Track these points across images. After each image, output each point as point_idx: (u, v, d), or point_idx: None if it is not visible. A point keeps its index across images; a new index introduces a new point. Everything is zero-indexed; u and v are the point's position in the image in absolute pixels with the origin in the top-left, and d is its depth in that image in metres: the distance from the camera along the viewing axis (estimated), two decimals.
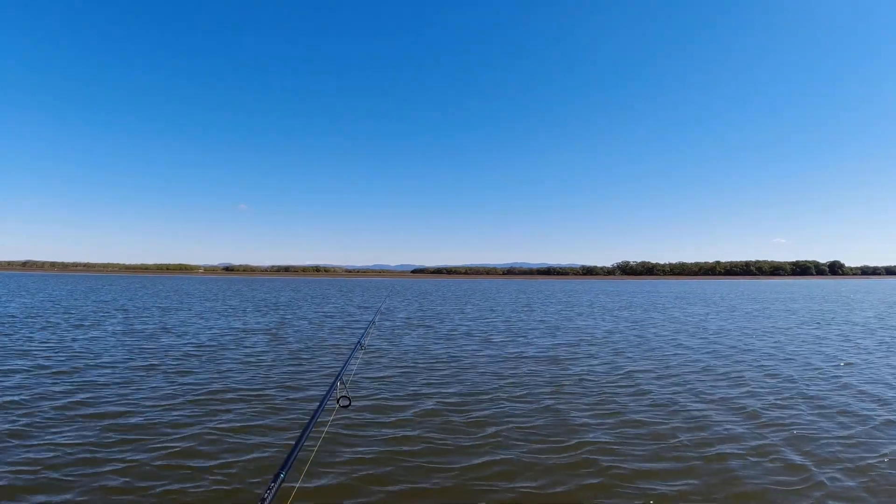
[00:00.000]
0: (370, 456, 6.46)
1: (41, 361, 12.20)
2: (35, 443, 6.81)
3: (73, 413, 8.21)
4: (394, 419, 7.98)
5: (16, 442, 6.82)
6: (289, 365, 12.06)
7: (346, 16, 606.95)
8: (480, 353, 13.98)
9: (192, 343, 14.99)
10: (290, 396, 9.24)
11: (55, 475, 5.84)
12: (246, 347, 14.36)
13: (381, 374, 11.16)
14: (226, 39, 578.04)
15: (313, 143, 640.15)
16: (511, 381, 10.86)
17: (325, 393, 4.04)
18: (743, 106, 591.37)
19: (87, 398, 9.06)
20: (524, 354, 13.95)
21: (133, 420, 7.87)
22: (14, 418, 7.82)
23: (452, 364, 12.49)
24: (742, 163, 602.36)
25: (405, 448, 6.75)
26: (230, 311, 27.15)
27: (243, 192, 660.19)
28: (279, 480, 2.48)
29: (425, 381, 10.59)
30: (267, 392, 9.47)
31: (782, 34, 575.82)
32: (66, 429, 7.41)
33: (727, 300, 43.71)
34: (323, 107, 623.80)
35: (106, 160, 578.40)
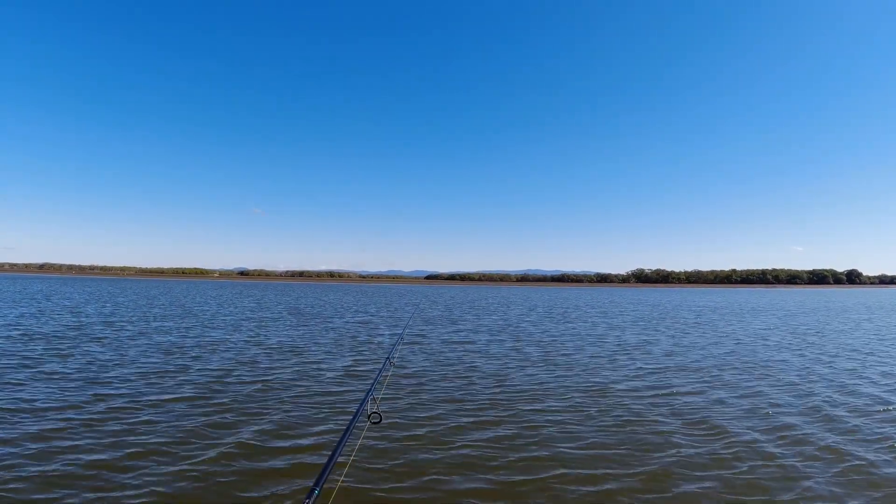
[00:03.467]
0: (401, 473, 6.40)
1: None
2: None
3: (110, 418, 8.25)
4: (425, 436, 7.83)
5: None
6: (319, 380, 11.87)
7: (360, 17, 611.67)
8: (514, 369, 13.42)
9: (220, 356, 14.88)
10: (322, 412, 9.14)
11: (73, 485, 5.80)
12: (274, 361, 14.13)
13: (412, 391, 10.86)
14: (243, 41, 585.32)
15: (328, 148, 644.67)
16: (560, 399, 10.46)
17: (355, 409, 4.10)
18: (759, 111, 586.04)
19: (125, 405, 9.24)
20: (570, 375, 13.05)
21: (159, 435, 7.92)
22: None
23: (484, 380, 12.09)
24: (758, 168, 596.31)
25: (436, 466, 6.64)
26: (259, 322, 26.99)
27: (259, 197, 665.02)
28: (313, 496, 2.54)
29: (457, 399, 10.27)
30: (298, 408, 9.35)
31: (798, 36, 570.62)
32: (91, 436, 7.44)
33: (771, 310, 42.15)
34: (337, 110, 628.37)
35: (122, 163, 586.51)
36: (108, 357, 13.92)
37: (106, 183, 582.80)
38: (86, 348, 15.37)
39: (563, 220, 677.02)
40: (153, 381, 11.29)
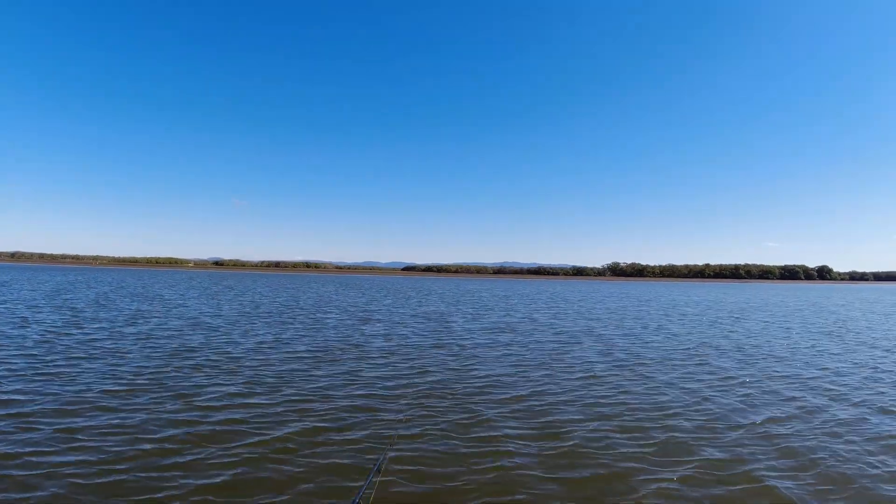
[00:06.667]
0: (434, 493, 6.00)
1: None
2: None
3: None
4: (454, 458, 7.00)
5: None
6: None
7: (342, 9, 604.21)
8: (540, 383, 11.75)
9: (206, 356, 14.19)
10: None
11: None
12: (309, 367, 13.76)
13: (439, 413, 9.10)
14: (220, 32, 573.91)
15: (305, 139, 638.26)
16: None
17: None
18: (735, 108, 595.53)
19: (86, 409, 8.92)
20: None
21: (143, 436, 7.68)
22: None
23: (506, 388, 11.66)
24: (733, 165, 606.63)
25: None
26: (255, 326, 26.44)
27: (235, 187, 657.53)
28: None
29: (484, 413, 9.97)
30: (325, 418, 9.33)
31: (774, 35, 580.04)
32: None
33: (769, 307, 41.66)
34: (315, 101, 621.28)
35: (97, 151, 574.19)
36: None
37: (81, 171, 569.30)
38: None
39: (539, 213, 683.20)
40: (140, 391, 10.88)
